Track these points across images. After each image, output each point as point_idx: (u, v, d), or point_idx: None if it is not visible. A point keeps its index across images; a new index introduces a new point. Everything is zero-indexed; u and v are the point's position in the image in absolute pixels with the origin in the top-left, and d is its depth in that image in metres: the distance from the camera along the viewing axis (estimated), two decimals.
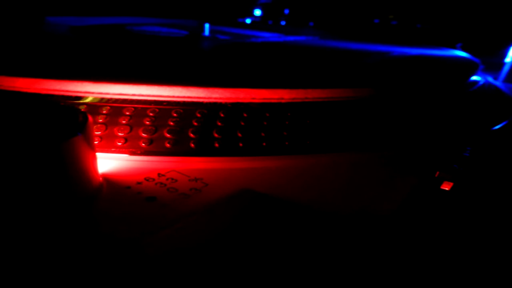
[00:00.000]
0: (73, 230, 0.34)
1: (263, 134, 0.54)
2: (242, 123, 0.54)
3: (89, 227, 0.35)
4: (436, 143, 0.61)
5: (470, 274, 0.32)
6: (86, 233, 0.34)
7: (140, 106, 0.53)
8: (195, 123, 0.53)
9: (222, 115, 0.54)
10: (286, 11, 2.59)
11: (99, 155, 0.44)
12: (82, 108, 0.52)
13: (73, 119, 0.37)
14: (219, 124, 0.53)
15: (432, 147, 0.59)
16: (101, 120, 0.51)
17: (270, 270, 0.31)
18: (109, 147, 0.49)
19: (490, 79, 1.09)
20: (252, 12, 2.57)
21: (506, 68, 1.20)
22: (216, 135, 0.53)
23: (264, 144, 0.53)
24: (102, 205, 0.38)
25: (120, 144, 0.50)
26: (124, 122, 0.51)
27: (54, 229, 0.33)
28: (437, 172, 0.48)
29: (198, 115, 0.53)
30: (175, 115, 0.53)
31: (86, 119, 0.37)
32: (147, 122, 0.52)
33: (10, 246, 0.30)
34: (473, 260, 0.34)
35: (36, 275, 0.28)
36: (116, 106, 0.53)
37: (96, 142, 0.49)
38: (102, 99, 0.54)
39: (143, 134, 0.51)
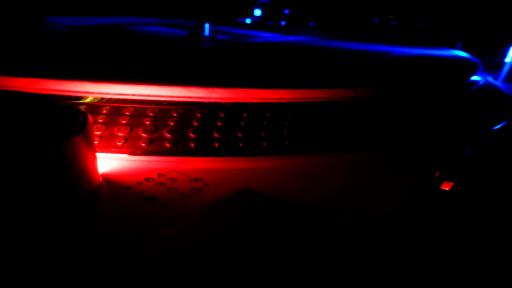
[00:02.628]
0: (73, 230, 0.34)
1: (263, 134, 0.54)
2: (242, 123, 0.54)
3: (89, 227, 0.35)
4: (436, 143, 0.61)
5: (470, 274, 0.32)
6: (86, 233, 0.34)
7: (140, 106, 0.53)
8: (195, 123, 0.53)
9: (222, 115, 0.54)
10: (286, 11, 2.59)
11: (99, 155, 0.44)
12: (82, 108, 0.52)
13: (73, 119, 0.37)
14: (219, 124, 0.53)
15: (432, 147, 0.59)
16: (101, 120, 0.51)
17: (270, 270, 0.31)
18: (109, 147, 0.49)
19: (490, 79, 1.09)
20: (252, 12, 2.57)
21: (506, 68, 1.20)
22: (216, 135, 0.53)
23: (264, 144, 0.53)
24: (102, 205, 0.38)
25: (120, 144, 0.50)
26: (124, 122, 0.51)
27: (54, 229, 0.33)
28: (437, 172, 0.48)
29: (198, 115, 0.53)
30: (175, 115, 0.53)
31: (86, 119, 0.37)
32: (147, 122, 0.52)
33: (10, 246, 0.30)
34: (473, 260, 0.34)
35: (36, 275, 0.28)
36: (116, 106, 0.53)
37: (96, 142, 0.49)
38: (102, 99, 0.54)
39: (143, 134, 0.51)
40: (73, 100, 0.54)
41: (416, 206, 0.42)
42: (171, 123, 0.52)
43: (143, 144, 0.50)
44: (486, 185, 0.48)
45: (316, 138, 0.56)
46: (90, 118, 0.38)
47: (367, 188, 0.46)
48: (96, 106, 0.53)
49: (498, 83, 1.13)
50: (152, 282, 0.29)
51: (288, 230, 0.37)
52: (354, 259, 0.33)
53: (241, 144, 0.53)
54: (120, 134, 0.50)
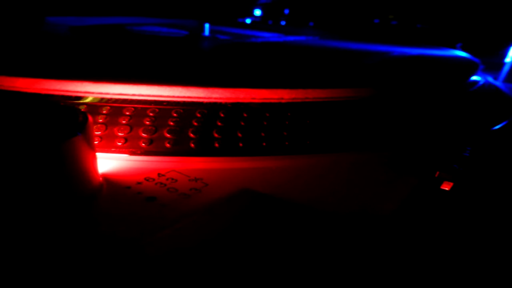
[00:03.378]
0: (73, 230, 0.34)
1: (263, 134, 0.54)
2: (242, 123, 0.54)
3: (89, 227, 0.35)
4: (436, 143, 0.61)
5: (470, 274, 0.32)
6: (86, 233, 0.34)
7: (140, 106, 0.53)
8: (195, 123, 0.53)
9: (222, 115, 0.54)
10: (286, 11, 2.59)
11: (99, 155, 0.44)
12: (82, 108, 0.52)
13: (73, 119, 0.37)
14: (219, 124, 0.53)
15: (432, 147, 0.59)
16: (101, 120, 0.51)
17: (270, 270, 0.31)
18: (109, 147, 0.49)
19: (490, 79, 1.09)
20: (252, 12, 2.57)
21: (506, 68, 1.20)
22: (216, 135, 0.53)
23: (264, 144, 0.53)
24: (102, 205, 0.38)
25: (120, 144, 0.49)
26: (124, 122, 0.51)
27: (54, 229, 0.33)
28: (437, 172, 0.48)
29: (198, 115, 0.53)
30: (175, 115, 0.53)
31: (86, 119, 0.37)
32: (147, 122, 0.52)
33: (10, 246, 0.30)
34: (473, 260, 0.34)
35: (36, 275, 0.28)
36: (116, 106, 0.53)
37: (96, 142, 0.49)
38: (102, 99, 0.54)
39: (143, 134, 0.51)
40: (73, 100, 0.54)
41: (416, 206, 0.42)
42: (171, 123, 0.52)
43: (143, 144, 0.50)
44: (486, 185, 0.48)
45: (316, 138, 0.56)
46: (90, 118, 0.38)
47: (367, 188, 0.46)
48: (96, 106, 0.53)
49: (498, 83, 1.13)
50: (152, 282, 0.29)
51: (288, 230, 0.37)
52: (354, 258, 0.33)
53: (241, 144, 0.53)
54: (120, 134, 0.50)
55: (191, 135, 0.52)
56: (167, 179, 0.44)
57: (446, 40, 1.78)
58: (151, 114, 0.53)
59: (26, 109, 0.40)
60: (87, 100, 0.54)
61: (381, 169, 0.52)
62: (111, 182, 0.43)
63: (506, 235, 0.38)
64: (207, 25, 1.34)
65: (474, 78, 0.91)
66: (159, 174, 0.45)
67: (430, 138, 0.63)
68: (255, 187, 0.44)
